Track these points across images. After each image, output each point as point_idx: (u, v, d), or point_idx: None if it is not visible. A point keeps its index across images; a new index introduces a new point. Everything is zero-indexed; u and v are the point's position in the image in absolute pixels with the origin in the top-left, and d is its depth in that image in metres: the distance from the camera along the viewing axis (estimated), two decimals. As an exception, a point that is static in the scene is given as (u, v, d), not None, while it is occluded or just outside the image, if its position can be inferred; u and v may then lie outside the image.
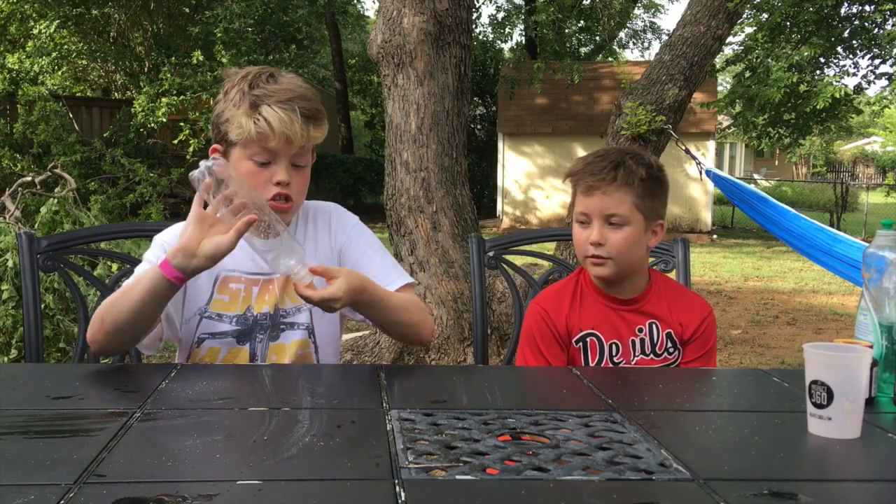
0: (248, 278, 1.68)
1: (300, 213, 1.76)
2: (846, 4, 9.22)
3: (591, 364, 1.78)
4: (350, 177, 17.25)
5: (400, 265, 1.79)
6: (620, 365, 1.78)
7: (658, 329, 1.79)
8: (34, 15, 12.71)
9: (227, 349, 1.67)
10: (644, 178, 1.71)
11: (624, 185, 1.70)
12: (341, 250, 1.74)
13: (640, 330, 1.79)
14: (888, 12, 8.85)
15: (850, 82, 11.21)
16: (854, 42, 9.90)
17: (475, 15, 15.70)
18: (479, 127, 18.17)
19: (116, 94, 15.29)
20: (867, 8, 9.20)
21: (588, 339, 1.78)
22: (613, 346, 1.78)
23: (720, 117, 14.87)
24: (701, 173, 5.62)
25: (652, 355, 1.78)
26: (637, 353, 1.78)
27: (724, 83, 20.07)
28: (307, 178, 1.67)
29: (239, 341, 1.67)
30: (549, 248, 5.21)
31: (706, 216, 14.61)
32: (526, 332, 1.83)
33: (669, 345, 1.79)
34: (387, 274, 1.71)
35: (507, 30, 15.38)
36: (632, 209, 1.71)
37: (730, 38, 8.08)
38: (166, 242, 1.66)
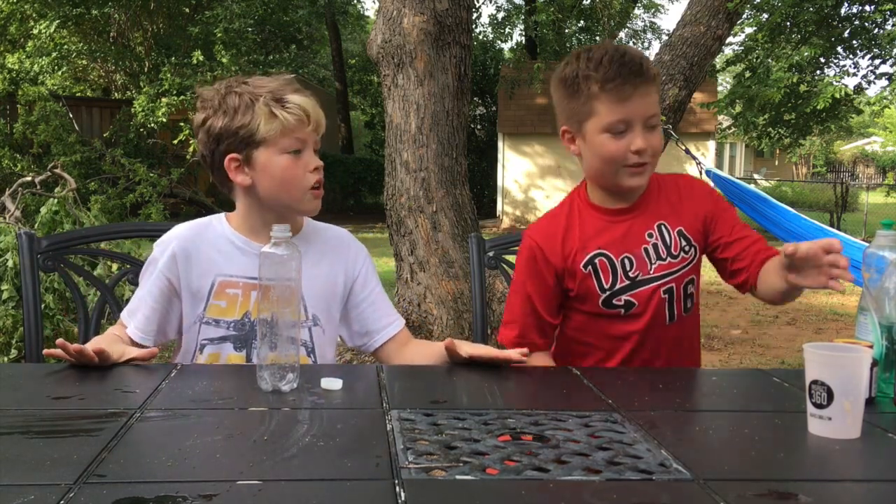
0: (246, 283, 1.63)
1: (309, 230, 1.74)
2: (846, 4, 9.23)
3: (606, 286, 1.65)
4: (350, 177, 17.26)
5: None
6: (637, 279, 1.65)
7: (668, 229, 1.66)
8: (34, 15, 12.73)
9: (226, 355, 1.65)
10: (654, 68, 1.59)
11: (652, 80, 1.56)
12: (355, 282, 1.76)
13: (651, 235, 1.65)
14: (888, 12, 8.85)
15: (850, 82, 11.24)
16: (854, 42, 9.92)
17: (475, 15, 15.72)
18: (479, 127, 18.18)
19: (116, 94, 15.30)
20: (867, 8, 9.21)
21: (597, 261, 1.65)
22: (626, 261, 1.65)
23: (720, 117, 14.87)
24: (701, 173, 5.61)
25: (669, 258, 1.65)
26: (653, 261, 1.65)
27: (724, 83, 20.08)
28: None
29: (236, 348, 1.64)
30: (549, 248, 5.20)
31: (706, 216, 14.59)
32: (517, 264, 1.75)
33: (684, 243, 1.66)
34: (391, 314, 1.79)
35: (507, 30, 15.46)
36: (658, 105, 1.59)
37: (730, 38, 8.08)
38: (175, 247, 1.66)
